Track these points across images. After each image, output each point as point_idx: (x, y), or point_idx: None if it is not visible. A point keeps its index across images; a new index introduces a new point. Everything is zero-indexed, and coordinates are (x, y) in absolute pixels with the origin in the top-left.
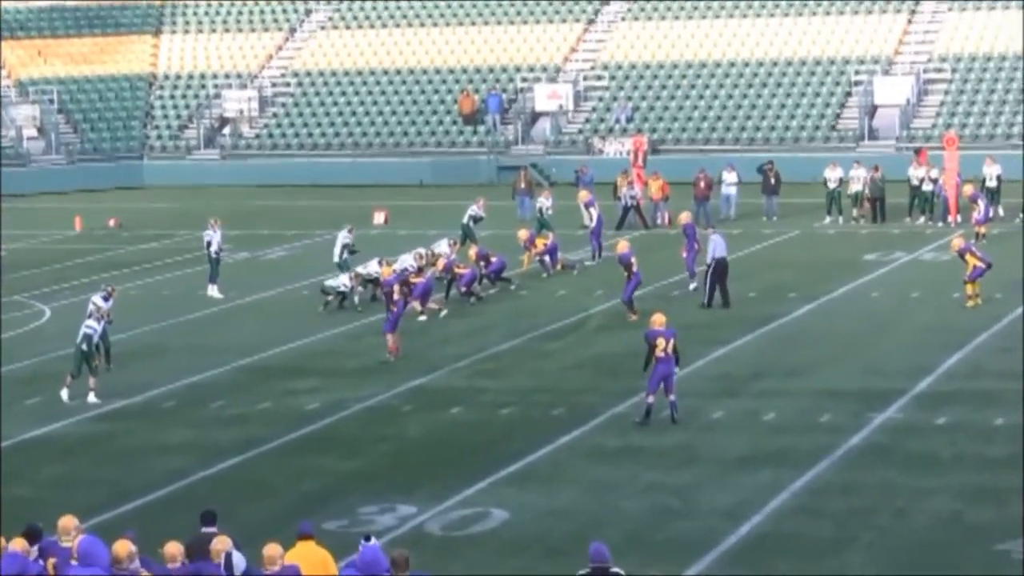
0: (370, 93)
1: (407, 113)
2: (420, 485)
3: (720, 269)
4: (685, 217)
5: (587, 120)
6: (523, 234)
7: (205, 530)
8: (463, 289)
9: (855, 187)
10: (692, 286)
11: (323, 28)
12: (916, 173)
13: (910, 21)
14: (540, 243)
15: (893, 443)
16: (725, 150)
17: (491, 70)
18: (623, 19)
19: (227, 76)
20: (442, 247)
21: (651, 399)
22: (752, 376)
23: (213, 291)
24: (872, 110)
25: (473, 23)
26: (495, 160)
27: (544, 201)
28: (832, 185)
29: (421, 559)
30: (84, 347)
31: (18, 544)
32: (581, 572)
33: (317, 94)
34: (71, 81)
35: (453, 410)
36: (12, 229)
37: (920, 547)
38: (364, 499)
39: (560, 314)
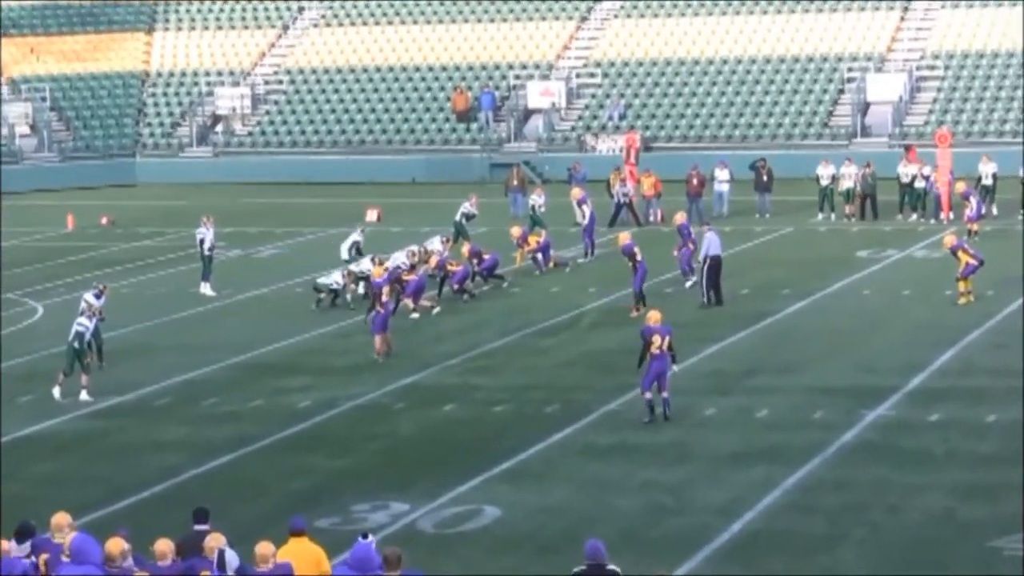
0: (363, 91)
1: (400, 110)
2: (412, 483)
3: (714, 266)
4: (680, 217)
5: (580, 117)
6: (516, 231)
7: (197, 528)
8: (456, 286)
9: (846, 184)
10: (688, 283)
11: (316, 25)
12: (906, 170)
13: (903, 18)
14: (533, 240)
15: (885, 440)
16: (718, 147)
17: (484, 67)
18: (616, 16)
19: (220, 74)
20: (435, 244)
21: (648, 395)
22: (745, 373)
23: (206, 289)
24: (865, 107)
25: (466, 20)
26: (488, 157)
27: (537, 198)
28: (824, 182)
29: (413, 557)
30: (76, 345)
31: (2, 544)
32: (577, 569)
33: (310, 91)
34: (64, 79)
35: (446, 407)
36: (4, 227)
37: (913, 543)
38: (356, 497)
39: (553, 311)
